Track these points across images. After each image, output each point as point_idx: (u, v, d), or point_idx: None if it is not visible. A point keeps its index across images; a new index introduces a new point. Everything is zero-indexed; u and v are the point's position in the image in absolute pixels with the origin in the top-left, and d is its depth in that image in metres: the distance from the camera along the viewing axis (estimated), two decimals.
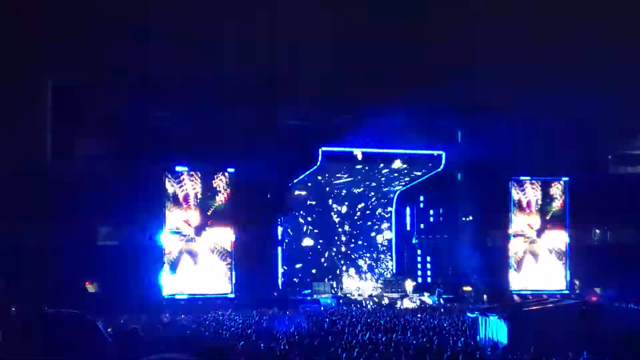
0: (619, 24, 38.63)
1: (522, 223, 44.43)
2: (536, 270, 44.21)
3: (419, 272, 49.34)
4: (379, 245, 49.40)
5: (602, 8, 38.37)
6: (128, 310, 31.61)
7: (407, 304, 40.81)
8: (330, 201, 48.03)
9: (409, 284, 45.47)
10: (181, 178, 40.53)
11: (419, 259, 49.96)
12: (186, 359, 2.03)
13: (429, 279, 48.44)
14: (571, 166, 43.50)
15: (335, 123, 43.44)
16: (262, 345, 19.04)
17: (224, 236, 40.71)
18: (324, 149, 43.37)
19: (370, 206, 49.56)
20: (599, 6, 38.62)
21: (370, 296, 43.46)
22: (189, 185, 40.56)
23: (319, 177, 45.38)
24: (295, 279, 45.19)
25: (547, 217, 44.59)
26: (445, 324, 27.73)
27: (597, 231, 46.25)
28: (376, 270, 48.03)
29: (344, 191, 48.46)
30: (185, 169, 40.57)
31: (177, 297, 39.06)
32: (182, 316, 32.17)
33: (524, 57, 40.15)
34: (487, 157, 43.22)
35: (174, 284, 39.53)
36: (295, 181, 44.56)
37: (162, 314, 32.64)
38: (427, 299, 42.74)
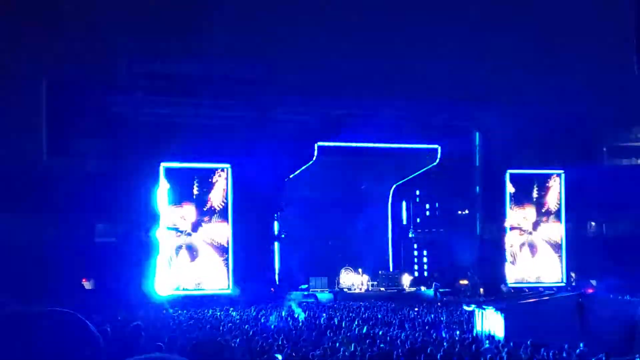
0: (615, 20, 38.64)
1: (517, 216, 44.47)
2: (532, 263, 44.28)
3: (416, 267, 49.39)
4: (376, 240, 49.37)
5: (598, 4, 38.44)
6: (125, 307, 31.60)
7: None
8: (326, 196, 47.97)
9: (406, 278, 45.51)
10: (178, 174, 40.47)
11: (415, 253, 50.01)
12: (173, 357, 2.01)
13: (425, 273, 48.49)
14: (567, 159, 43.53)
15: (332, 118, 43.43)
16: (259, 340, 19.06)
17: (221, 232, 40.72)
18: (320, 143, 43.38)
19: (367, 200, 49.50)
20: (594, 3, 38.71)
21: (367, 290, 43.48)
22: (186, 181, 40.51)
23: (316, 172, 45.34)
24: (291, 275, 45.15)
25: (543, 210, 44.64)
26: (442, 318, 27.81)
27: (593, 223, 46.32)
28: (373, 265, 47.96)
29: (341, 186, 48.41)
30: (182, 165, 40.51)
31: (174, 293, 39.03)
32: (179, 312, 32.18)
33: (520, 50, 40.16)
34: (482, 150, 43.28)
35: (171, 280, 39.53)
36: (291, 176, 44.53)
37: (159, 310, 32.63)
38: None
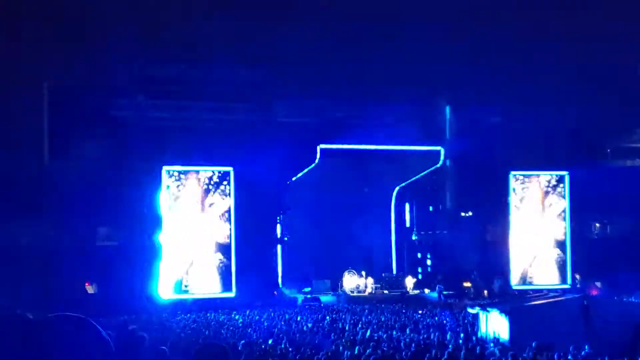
0: (616, 20, 38.61)
1: (521, 217, 44.33)
2: (536, 265, 44.13)
3: (420, 269, 49.23)
4: (379, 242, 49.27)
5: (601, 6, 38.37)
6: (128, 310, 31.58)
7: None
8: (329, 198, 47.91)
9: (410, 281, 45.38)
10: (180, 177, 40.45)
11: (419, 255, 49.85)
12: None
13: (429, 276, 48.32)
14: (571, 160, 43.42)
15: (334, 120, 43.41)
16: (262, 344, 18.99)
17: (223, 235, 40.64)
18: (322, 146, 43.34)
19: (370, 203, 49.43)
20: (597, 4, 38.64)
21: (371, 293, 43.36)
22: (188, 184, 40.49)
23: (318, 175, 45.29)
24: (295, 277, 45.11)
25: (547, 211, 44.50)
26: (445, 320, 27.71)
27: (597, 225, 46.18)
28: (376, 268, 47.86)
29: (343, 188, 48.32)
30: (184, 168, 40.48)
31: (176, 297, 38.97)
32: (182, 316, 32.12)
33: (521, 50, 40.07)
34: (486, 151, 43.17)
35: (173, 283, 39.46)
36: (294, 179, 44.48)
37: (161, 314, 32.59)
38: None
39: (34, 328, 2.22)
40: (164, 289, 38.98)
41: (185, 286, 39.62)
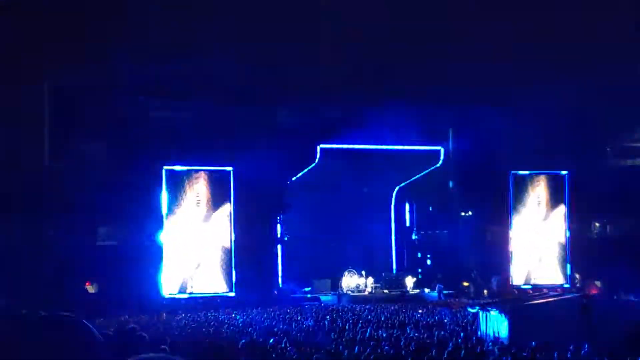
0: (617, 19, 38.63)
1: (521, 217, 44.34)
2: (536, 264, 44.14)
3: (419, 269, 49.25)
4: (379, 242, 49.28)
5: (602, 5, 38.39)
6: (128, 310, 31.61)
7: None
8: (329, 198, 47.92)
9: (410, 280, 45.40)
10: (180, 177, 40.45)
11: (418, 255, 49.87)
12: (168, 357, 1.97)
13: (429, 275, 48.32)
14: (571, 160, 43.42)
15: (334, 120, 43.45)
16: (263, 343, 18.99)
17: (224, 234, 40.66)
18: (322, 146, 43.37)
19: (370, 203, 49.43)
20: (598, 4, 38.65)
21: (371, 293, 43.40)
22: (188, 183, 40.50)
23: (318, 175, 45.32)
24: (295, 277, 45.15)
25: (547, 211, 44.51)
26: (445, 320, 27.74)
27: (597, 224, 46.19)
28: (376, 267, 47.87)
29: (344, 188, 48.31)
30: (184, 167, 40.51)
31: (177, 296, 39.01)
32: (183, 315, 32.15)
33: (524, 50, 40.06)
34: (486, 151, 43.20)
35: (174, 283, 39.49)
36: (294, 179, 44.51)
37: (161, 314, 32.62)
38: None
39: (23, 328, 2.23)
40: (164, 288, 39.01)
41: (186, 286, 39.63)
